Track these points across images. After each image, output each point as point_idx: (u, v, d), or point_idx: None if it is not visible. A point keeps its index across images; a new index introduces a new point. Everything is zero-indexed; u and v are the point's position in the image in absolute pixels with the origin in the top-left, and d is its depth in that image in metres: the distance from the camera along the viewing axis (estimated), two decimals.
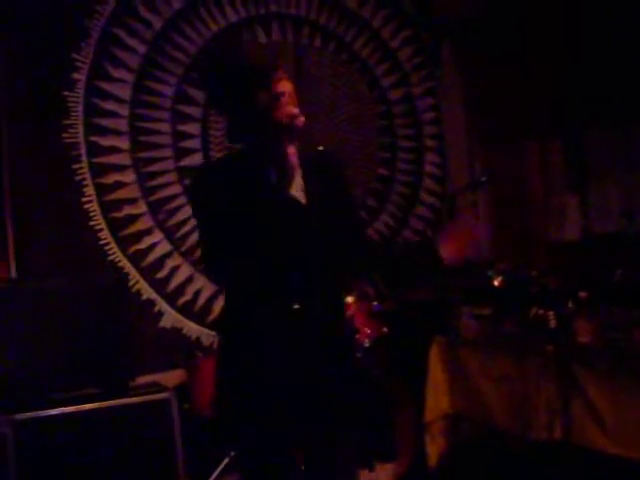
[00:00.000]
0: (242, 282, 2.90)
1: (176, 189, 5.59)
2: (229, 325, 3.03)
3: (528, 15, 5.92)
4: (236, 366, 2.93)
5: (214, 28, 5.78)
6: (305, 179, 2.90)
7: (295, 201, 2.85)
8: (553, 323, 3.86)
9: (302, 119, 2.87)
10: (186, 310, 5.59)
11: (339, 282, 3.08)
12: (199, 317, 5.63)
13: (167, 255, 5.54)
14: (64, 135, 5.23)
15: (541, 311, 3.97)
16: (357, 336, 4.78)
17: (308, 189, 2.89)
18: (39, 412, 4.13)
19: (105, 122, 5.38)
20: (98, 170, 5.33)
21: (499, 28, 6.11)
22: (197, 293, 5.63)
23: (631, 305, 3.82)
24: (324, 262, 2.89)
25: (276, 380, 2.80)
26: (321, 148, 3.09)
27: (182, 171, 5.61)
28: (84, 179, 5.27)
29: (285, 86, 2.88)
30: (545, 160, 6.14)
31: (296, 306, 2.81)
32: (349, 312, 3.84)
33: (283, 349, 2.80)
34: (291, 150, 2.87)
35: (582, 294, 4.01)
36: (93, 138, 5.32)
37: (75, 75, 5.28)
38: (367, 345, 4.89)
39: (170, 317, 5.52)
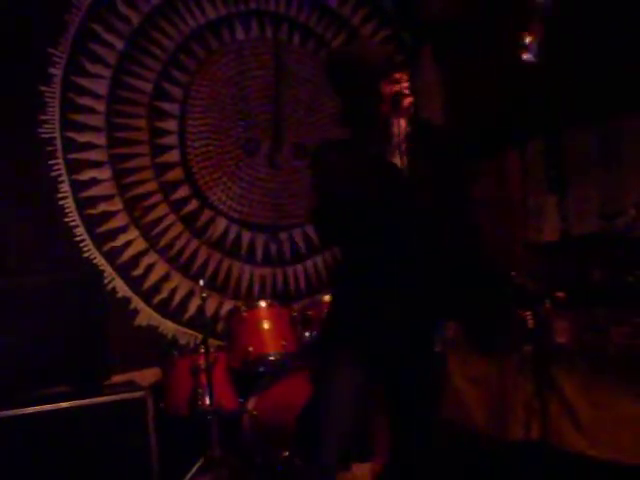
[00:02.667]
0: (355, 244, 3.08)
1: (152, 186, 5.54)
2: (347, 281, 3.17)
3: (506, 15, 5.92)
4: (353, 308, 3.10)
5: (192, 24, 5.75)
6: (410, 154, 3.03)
7: (393, 166, 2.99)
8: (531, 323, 3.86)
9: (409, 99, 3.01)
10: (162, 308, 5.55)
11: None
12: (175, 315, 5.59)
13: (143, 253, 5.50)
14: (40, 130, 5.18)
15: (519, 311, 3.96)
16: None
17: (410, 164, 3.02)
18: (11, 411, 4.08)
19: (81, 118, 5.34)
20: (74, 166, 5.28)
21: (478, 28, 6.10)
22: (173, 291, 5.59)
23: (609, 306, 3.82)
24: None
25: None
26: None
27: (159, 168, 5.57)
28: (60, 175, 5.22)
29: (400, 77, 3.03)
30: (524, 161, 6.14)
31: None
32: None
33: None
34: (401, 122, 2.99)
35: (560, 295, 4.01)
36: (69, 134, 5.28)
37: (52, 70, 5.23)
38: None
39: (146, 315, 5.48)
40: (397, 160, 3.00)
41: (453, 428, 4.40)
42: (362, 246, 3.04)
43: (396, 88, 2.98)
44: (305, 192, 5.94)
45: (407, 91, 3.00)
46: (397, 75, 2.99)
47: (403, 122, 2.99)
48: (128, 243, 5.45)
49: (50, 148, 5.21)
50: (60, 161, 5.23)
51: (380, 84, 2.97)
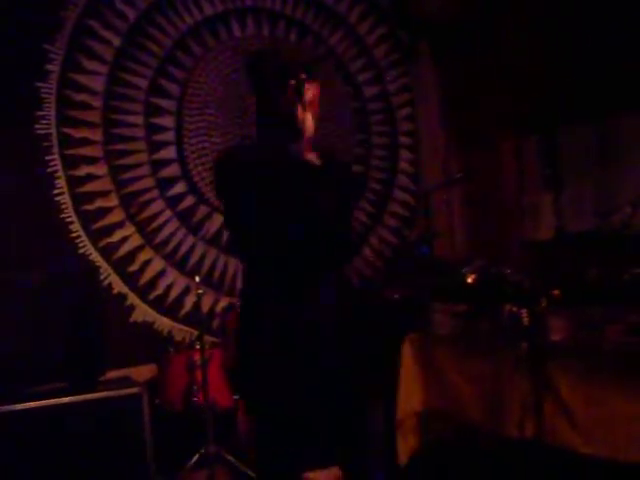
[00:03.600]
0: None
1: (149, 182, 5.55)
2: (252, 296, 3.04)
3: (504, 14, 5.93)
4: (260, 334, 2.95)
5: (189, 21, 5.75)
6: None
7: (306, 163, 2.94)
8: (526, 321, 3.85)
9: (311, 130, 2.95)
10: (157, 304, 5.56)
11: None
12: (170, 312, 5.60)
13: (139, 249, 5.50)
14: (36, 126, 5.17)
15: (515, 309, 3.96)
16: None
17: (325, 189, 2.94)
18: (6, 407, 4.08)
19: (78, 114, 5.33)
20: (70, 162, 5.28)
21: (475, 26, 6.11)
22: (169, 287, 5.60)
23: (604, 303, 3.82)
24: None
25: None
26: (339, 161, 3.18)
27: (155, 164, 5.57)
28: (56, 171, 5.22)
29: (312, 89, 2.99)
30: (520, 159, 6.15)
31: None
32: None
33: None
34: (309, 117, 2.95)
35: (555, 292, 4.01)
36: (65, 130, 5.28)
37: (48, 66, 5.23)
38: None
39: (141, 311, 5.49)
40: (311, 156, 2.97)
41: (450, 421, 4.41)
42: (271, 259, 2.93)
43: (299, 81, 2.92)
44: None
45: (316, 98, 3.00)
46: (297, 81, 2.93)
47: (310, 118, 2.95)
48: (124, 239, 5.45)
49: (46, 144, 5.20)
50: (56, 157, 5.23)
51: (287, 81, 2.92)
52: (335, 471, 2.90)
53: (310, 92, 2.97)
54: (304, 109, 2.92)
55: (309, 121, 2.95)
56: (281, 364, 2.87)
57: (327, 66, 6.36)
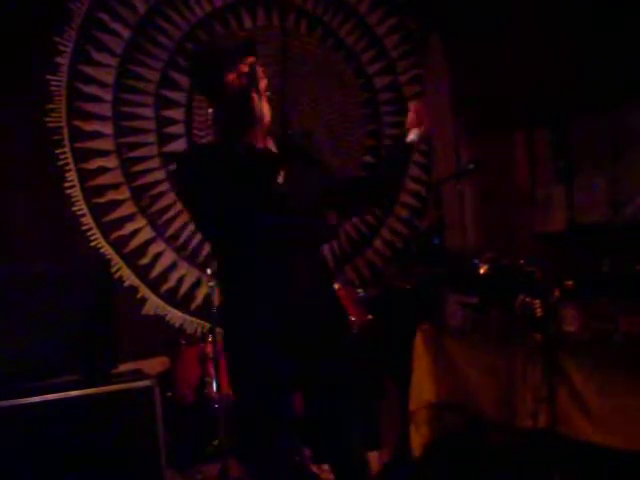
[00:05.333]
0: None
1: (160, 175, 5.55)
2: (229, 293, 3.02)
3: (515, 4, 5.89)
4: (237, 331, 2.96)
5: (199, 13, 5.74)
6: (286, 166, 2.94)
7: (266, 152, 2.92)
8: (539, 312, 3.84)
9: (268, 118, 2.93)
10: (169, 297, 5.56)
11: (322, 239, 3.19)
12: (183, 304, 5.60)
13: (150, 241, 5.50)
14: (47, 119, 5.17)
15: (527, 300, 3.95)
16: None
17: (289, 174, 2.93)
18: (19, 400, 4.08)
19: (88, 107, 5.33)
20: (81, 155, 5.28)
21: (487, 17, 6.08)
22: (180, 280, 5.60)
23: (617, 294, 3.80)
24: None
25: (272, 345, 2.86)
26: (290, 132, 3.17)
27: (166, 157, 5.57)
28: (67, 164, 5.22)
29: (254, 70, 2.86)
30: (532, 150, 6.13)
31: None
32: None
33: (277, 312, 2.87)
34: (263, 105, 2.88)
35: (568, 283, 3.99)
36: (76, 123, 5.27)
37: (58, 59, 5.22)
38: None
39: (153, 304, 5.49)
40: (271, 145, 2.98)
41: (461, 417, 4.40)
42: (239, 250, 2.90)
43: (245, 69, 2.84)
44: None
45: (261, 74, 2.89)
46: (246, 64, 2.85)
47: (266, 105, 2.91)
48: (135, 232, 5.45)
49: (57, 137, 5.20)
50: (67, 150, 5.23)
51: (227, 73, 2.84)
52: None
53: (262, 77, 2.89)
54: (259, 95, 2.84)
55: (265, 108, 2.90)
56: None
57: (336, 57, 6.35)
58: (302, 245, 2.94)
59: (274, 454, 2.96)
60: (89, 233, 5.28)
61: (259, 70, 2.88)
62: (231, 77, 2.83)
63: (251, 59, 2.86)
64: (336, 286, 4.62)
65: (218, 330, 4.72)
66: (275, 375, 2.88)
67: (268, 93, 2.94)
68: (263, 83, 2.90)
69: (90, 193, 5.30)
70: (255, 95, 2.82)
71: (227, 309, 3.02)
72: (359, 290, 5.26)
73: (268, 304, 2.86)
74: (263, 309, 2.86)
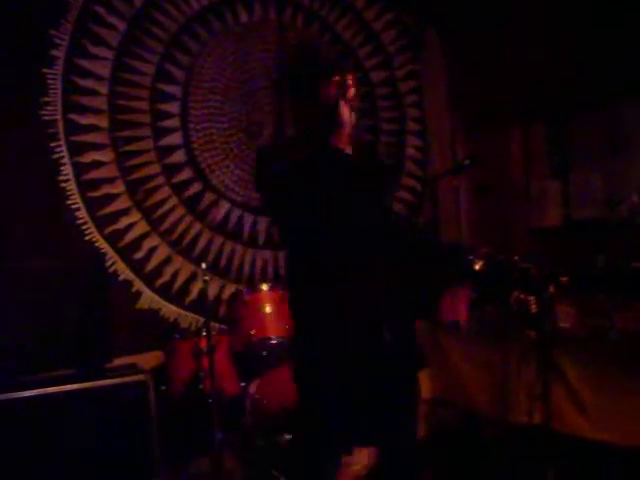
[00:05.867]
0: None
1: (155, 168, 5.53)
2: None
3: (512, 1, 5.90)
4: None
5: (195, 6, 5.72)
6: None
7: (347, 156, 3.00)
8: (534, 308, 3.84)
9: (351, 125, 2.99)
10: (164, 291, 5.55)
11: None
12: (177, 298, 5.60)
13: (145, 235, 5.49)
14: (42, 112, 5.15)
15: (522, 296, 3.95)
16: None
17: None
18: (14, 393, 4.07)
19: (84, 100, 5.31)
20: (76, 148, 5.26)
21: (483, 13, 6.07)
22: (175, 274, 5.59)
23: (612, 291, 3.81)
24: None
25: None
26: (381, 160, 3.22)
27: (161, 150, 5.55)
28: (62, 157, 5.20)
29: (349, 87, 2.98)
30: (528, 146, 6.13)
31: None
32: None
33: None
34: (348, 113, 2.97)
35: (563, 279, 3.99)
36: (71, 116, 5.26)
37: (54, 52, 5.20)
38: None
39: (147, 298, 5.48)
40: (350, 150, 3.03)
41: (456, 413, 4.40)
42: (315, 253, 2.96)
43: (340, 79, 2.95)
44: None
45: (353, 90, 2.98)
46: (340, 77, 2.95)
47: (351, 113, 2.99)
48: (130, 226, 5.44)
49: (52, 130, 5.18)
50: (62, 143, 5.21)
51: (322, 83, 2.94)
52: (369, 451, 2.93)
53: (352, 87, 2.97)
54: (346, 104, 2.95)
55: (350, 116, 2.97)
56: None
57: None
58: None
59: None
60: (84, 227, 5.26)
61: (350, 79, 2.98)
62: (326, 87, 2.93)
63: (350, 72, 2.98)
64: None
65: (213, 325, 4.72)
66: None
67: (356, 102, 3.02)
68: (351, 92, 2.98)
69: (85, 187, 5.28)
70: (344, 104, 2.93)
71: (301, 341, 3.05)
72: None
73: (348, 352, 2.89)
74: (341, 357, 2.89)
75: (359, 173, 3.03)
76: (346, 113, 2.94)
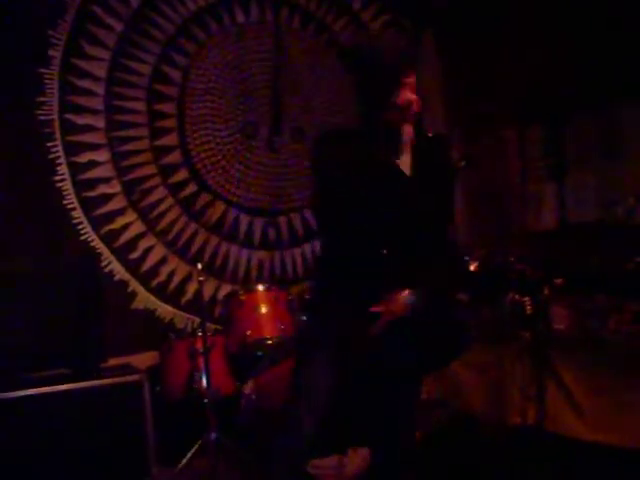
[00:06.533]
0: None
1: (151, 169, 5.53)
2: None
3: (509, 3, 5.90)
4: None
5: (192, 7, 5.72)
6: (414, 160, 3.08)
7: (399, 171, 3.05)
8: (529, 310, 3.86)
9: (418, 105, 3.01)
10: (159, 292, 5.55)
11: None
12: (172, 299, 5.59)
13: (141, 235, 5.49)
14: (38, 112, 5.15)
15: (517, 297, 3.96)
16: None
17: (415, 169, 3.07)
18: (8, 393, 4.08)
19: (80, 100, 5.31)
20: (72, 148, 5.26)
21: (480, 15, 6.08)
22: (171, 275, 5.59)
23: (607, 293, 3.82)
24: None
25: None
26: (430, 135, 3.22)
27: (157, 151, 5.56)
28: (58, 157, 5.20)
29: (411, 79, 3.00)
30: (523, 148, 6.13)
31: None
32: None
33: None
34: (407, 129, 3.03)
35: (558, 281, 4.00)
36: (68, 116, 5.26)
37: (51, 52, 5.20)
38: None
39: (143, 298, 5.48)
40: (402, 162, 3.06)
41: (451, 412, 4.40)
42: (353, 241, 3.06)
43: (408, 96, 2.97)
44: (305, 176, 5.95)
45: (414, 92, 3.00)
46: (409, 79, 2.98)
47: (410, 128, 3.03)
48: (126, 226, 5.44)
49: (48, 130, 5.18)
50: (58, 143, 5.21)
51: (394, 92, 2.96)
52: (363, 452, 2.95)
53: (414, 106, 3.01)
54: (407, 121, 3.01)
55: (409, 132, 3.03)
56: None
57: (328, 52, 6.36)
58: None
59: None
60: (79, 227, 5.26)
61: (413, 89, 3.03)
62: (398, 93, 2.96)
63: (413, 75, 3.01)
64: None
65: (208, 326, 4.72)
66: None
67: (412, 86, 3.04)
68: (415, 106, 3.03)
69: (81, 187, 5.28)
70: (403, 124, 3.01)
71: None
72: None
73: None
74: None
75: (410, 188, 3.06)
76: (405, 133, 3.01)
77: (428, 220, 3.05)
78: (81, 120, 5.31)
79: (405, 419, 3.17)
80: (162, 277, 5.57)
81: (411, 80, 2.99)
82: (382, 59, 2.98)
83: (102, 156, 5.37)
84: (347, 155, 3.03)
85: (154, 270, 5.54)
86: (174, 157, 5.63)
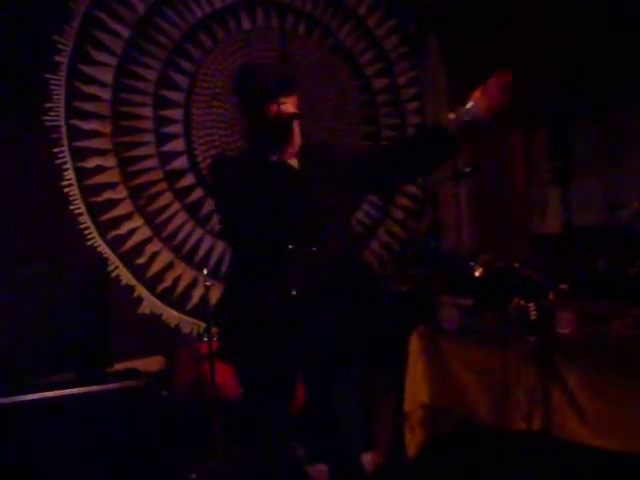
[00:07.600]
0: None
1: (157, 174, 5.56)
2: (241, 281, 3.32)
3: (513, 6, 5.90)
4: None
5: (199, 13, 5.75)
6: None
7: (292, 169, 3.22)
8: (534, 314, 3.86)
9: (295, 150, 3.23)
10: (165, 296, 5.57)
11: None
12: (179, 304, 5.61)
13: (147, 241, 5.50)
14: (45, 118, 5.18)
15: (522, 302, 3.96)
16: None
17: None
18: (14, 397, 4.09)
19: (87, 106, 5.34)
20: (79, 154, 5.29)
21: (484, 18, 6.09)
22: (177, 280, 5.61)
23: (612, 297, 3.82)
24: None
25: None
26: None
27: (164, 156, 5.58)
28: (64, 163, 5.23)
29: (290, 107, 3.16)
30: (528, 152, 6.13)
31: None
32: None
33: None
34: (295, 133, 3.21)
35: (563, 286, 4.01)
36: (74, 122, 5.28)
37: (57, 58, 5.23)
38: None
39: (149, 303, 5.50)
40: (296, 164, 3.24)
41: (455, 419, 4.41)
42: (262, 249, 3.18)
43: (282, 108, 3.11)
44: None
45: (292, 111, 3.16)
46: (287, 98, 3.14)
47: (297, 134, 3.22)
48: (132, 231, 5.46)
49: (55, 136, 5.21)
50: (65, 149, 5.24)
51: (268, 104, 3.10)
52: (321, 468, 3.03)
53: (291, 107, 3.16)
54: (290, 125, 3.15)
55: (298, 134, 3.21)
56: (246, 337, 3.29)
57: (334, 59, 6.37)
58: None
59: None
60: (86, 232, 5.28)
61: (295, 101, 3.20)
62: (273, 108, 3.10)
63: (292, 95, 3.18)
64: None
65: (214, 330, 4.73)
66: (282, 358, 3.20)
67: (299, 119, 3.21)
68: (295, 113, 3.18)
69: (87, 192, 5.31)
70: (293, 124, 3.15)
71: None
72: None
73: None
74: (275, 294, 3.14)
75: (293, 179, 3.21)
76: (294, 133, 3.16)
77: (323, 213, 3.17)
78: (87, 126, 5.33)
79: None
80: (168, 282, 5.58)
81: (290, 100, 3.16)
82: (262, 79, 3.18)
83: (109, 161, 5.39)
84: (237, 169, 3.22)
85: (160, 275, 5.56)
86: (180, 162, 5.65)
